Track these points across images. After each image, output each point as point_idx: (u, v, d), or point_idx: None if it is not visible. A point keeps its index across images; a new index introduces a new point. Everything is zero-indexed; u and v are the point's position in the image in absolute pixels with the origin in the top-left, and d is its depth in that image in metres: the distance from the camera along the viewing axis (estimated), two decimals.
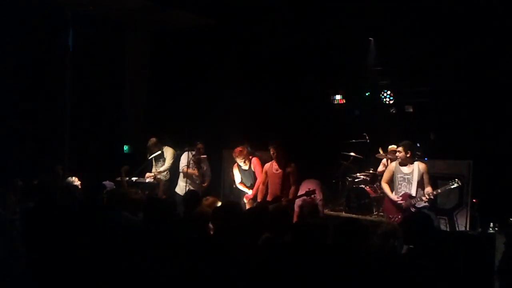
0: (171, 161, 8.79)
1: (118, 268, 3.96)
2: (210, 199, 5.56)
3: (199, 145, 8.50)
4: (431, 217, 6.20)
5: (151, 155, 8.82)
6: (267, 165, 7.40)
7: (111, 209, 5.07)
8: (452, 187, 6.63)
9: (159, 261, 3.88)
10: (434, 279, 3.76)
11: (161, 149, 8.82)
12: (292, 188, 7.14)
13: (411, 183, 6.60)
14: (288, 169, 7.17)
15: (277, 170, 7.22)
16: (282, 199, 6.95)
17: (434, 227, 4.27)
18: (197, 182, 8.56)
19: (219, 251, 3.97)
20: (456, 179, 6.62)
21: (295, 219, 6.49)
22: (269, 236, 4.32)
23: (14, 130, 8.89)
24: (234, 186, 8.43)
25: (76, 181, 7.19)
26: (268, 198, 7.21)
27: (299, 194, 6.93)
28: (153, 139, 8.84)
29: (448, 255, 4.27)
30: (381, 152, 9.01)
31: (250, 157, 7.80)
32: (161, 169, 8.80)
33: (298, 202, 6.91)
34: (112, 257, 4.09)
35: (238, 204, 5.55)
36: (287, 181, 7.15)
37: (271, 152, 7.25)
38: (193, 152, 8.40)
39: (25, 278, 4.09)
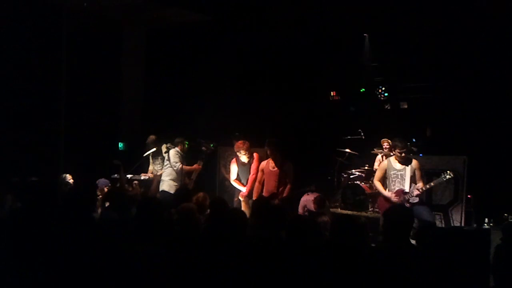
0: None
1: (107, 267, 3.95)
2: (201, 194, 5.61)
3: (186, 141, 8.47)
4: (421, 211, 6.32)
5: (156, 153, 8.74)
6: (263, 163, 7.42)
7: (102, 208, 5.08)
8: (445, 179, 6.64)
9: (149, 259, 3.87)
10: (429, 274, 3.77)
11: (159, 146, 8.76)
12: (288, 186, 7.18)
13: (404, 179, 6.64)
14: (285, 167, 7.21)
15: (273, 168, 7.26)
16: (279, 197, 6.98)
17: (413, 221, 4.29)
18: (191, 178, 8.56)
19: (211, 247, 3.98)
20: (448, 171, 6.63)
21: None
22: (264, 232, 4.33)
23: (9, 128, 8.85)
24: (226, 183, 8.44)
25: (69, 179, 7.16)
26: (265, 195, 7.21)
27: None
28: (152, 136, 8.76)
29: (443, 251, 4.28)
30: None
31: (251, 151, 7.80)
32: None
33: (302, 202, 7.03)
34: (102, 256, 4.07)
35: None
36: (283, 179, 7.19)
37: (267, 151, 7.28)
38: (178, 149, 8.35)
39: (13, 278, 4.05)
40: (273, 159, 7.26)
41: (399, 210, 4.56)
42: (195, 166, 8.60)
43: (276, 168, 7.23)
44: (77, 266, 3.97)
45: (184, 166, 8.31)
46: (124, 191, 5.72)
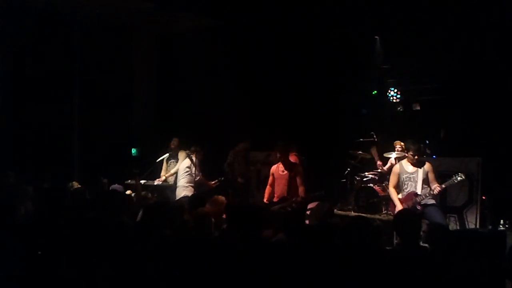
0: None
1: (117, 273, 3.97)
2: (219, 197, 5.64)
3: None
4: (433, 213, 6.28)
5: (171, 156, 8.84)
6: (273, 167, 7.42)
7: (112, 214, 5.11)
8: (456, 181, 6.58)
9: (159, 265, 3.88)
10: (443, 277, 3.75)
11: (176, 151, 8.82)
12: (301, 188, 7.10)
13: (416, 182, 6.60)
14: (294, 171, 7.17)
15: (283, 172, 7.22)
16: (293, 199, 6.94)
17: (421, 225, 4.28)
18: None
19: (225, 252, 3.99)
20: (460, 173, 6.56)
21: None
22: (282, 237, 4.33)
23: (23, 134, 8.96)
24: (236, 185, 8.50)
25: (76, 186, 7.17)
26: (275, 199, 7.20)
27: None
28: (176, 139, 8.85)
29: (458, 253, 4.25)
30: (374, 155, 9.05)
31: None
32: (172, 171, 8.78)
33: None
34: (112, 262, 4.09)
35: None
36: (294, 183, 7.13)
37: (277, 155, 7.27)
38: (193, 157, 8.41)
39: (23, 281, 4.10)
40: (282, 163, 7.25)
41: (405, 214, 4.56)
42: (210, 184, 8.74)
43: (285, 172, 7.19)
44: (89, 268, 4.01)
45: (201, 177, 8.52)
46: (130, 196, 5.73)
